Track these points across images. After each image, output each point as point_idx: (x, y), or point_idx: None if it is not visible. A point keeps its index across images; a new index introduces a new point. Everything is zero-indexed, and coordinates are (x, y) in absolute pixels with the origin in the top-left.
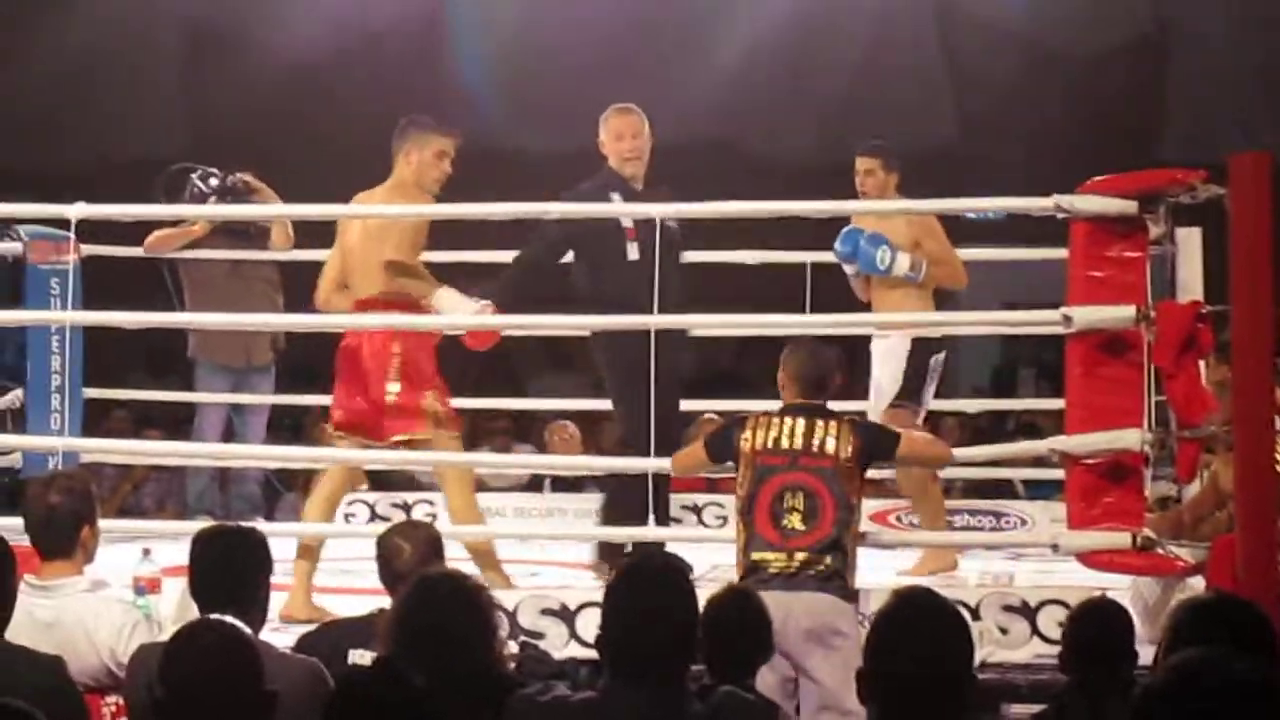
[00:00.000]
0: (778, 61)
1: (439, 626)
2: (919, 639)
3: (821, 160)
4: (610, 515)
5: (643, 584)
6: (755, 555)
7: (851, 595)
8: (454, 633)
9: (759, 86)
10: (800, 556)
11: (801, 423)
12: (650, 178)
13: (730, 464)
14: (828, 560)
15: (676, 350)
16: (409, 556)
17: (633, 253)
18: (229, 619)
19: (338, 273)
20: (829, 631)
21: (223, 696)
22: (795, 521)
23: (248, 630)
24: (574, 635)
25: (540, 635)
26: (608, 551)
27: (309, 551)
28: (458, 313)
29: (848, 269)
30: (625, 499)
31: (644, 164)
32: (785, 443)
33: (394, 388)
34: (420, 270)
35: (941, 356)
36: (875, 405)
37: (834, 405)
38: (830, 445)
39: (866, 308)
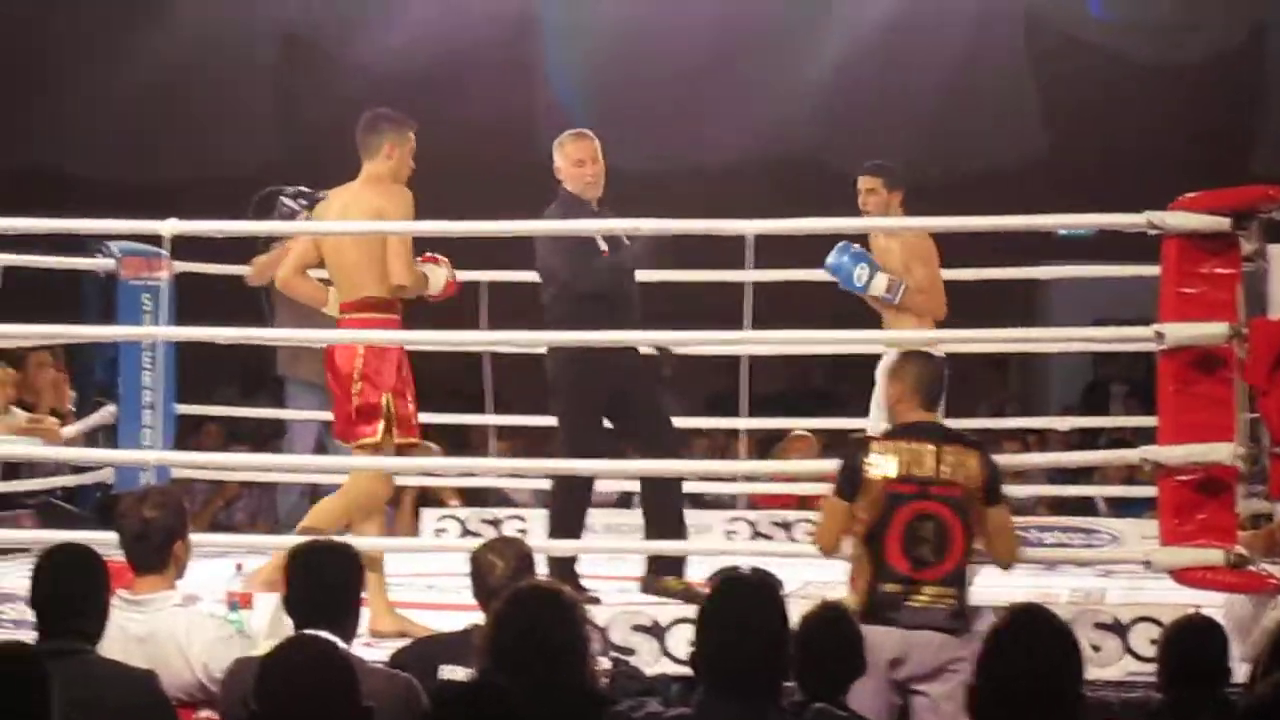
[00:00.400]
0: (867, 77)
1: (534, 641)
2: (1031, 655)
3: (910, 176)
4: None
5: (736, 600)
6: (884, 587)
7: (969, 624)
8: (549, 647)
9: (849, 102)
10: (929, 590)
11: (930, 448)
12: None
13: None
14: (954, 593)
15: (641, 375)
16: (502, 572)
17: (605, 272)
18: (325, 634)
19: (303, 260)
20: (949, 663)
21: (319, 713)
22: (926, 553)
23: (344, 646)
24: (665, 651)
25: (631, 651)
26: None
27: (375, 564)
28: (441, 281)
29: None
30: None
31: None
32: (916, 470)
33: (357, 388)
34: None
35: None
36: (874, 426)
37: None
38: (960, 474)
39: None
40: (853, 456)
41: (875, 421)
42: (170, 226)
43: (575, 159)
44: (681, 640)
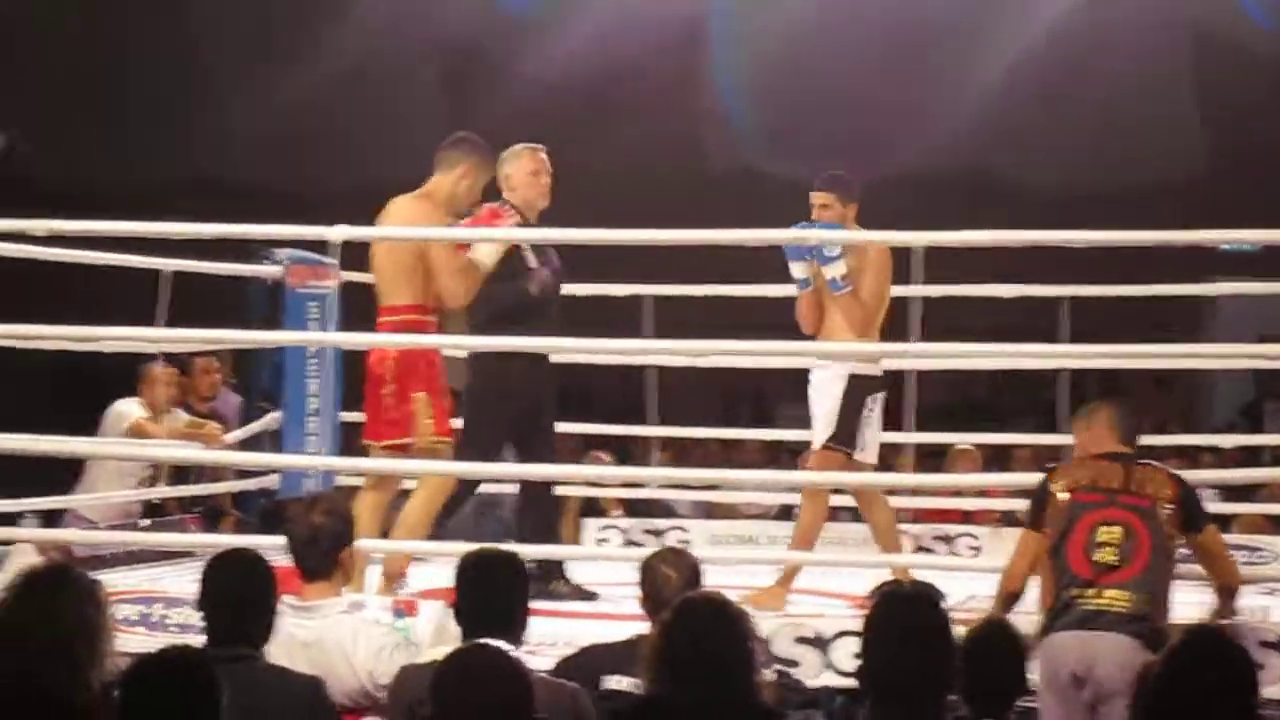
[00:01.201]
0: (1030, 90)
1: (703, 652)
2: (1207, 678)
3: (1073, 188)
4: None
5: (900, 613)
6: (1066, 592)
7: (1157, 639)
8: (718, 659)
9: (1011, 115)
10: (1110, 593)
11: (1119, 466)
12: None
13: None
14: (1137, 598)
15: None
16: (676, 584)
17: (534, 288)
18: (498, 643)
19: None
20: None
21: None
22: (1108, 555)
23: (518, 656)
24: (829, 664)
25: (795, 663)
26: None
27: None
28: (493, 251)
29: (798, 274)
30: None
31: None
32: (1102, 482)
33: (388, 390)
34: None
35: (880, 398)
36: (817, 439)
37: None
38: (1150, 488)
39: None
40: (1041, 486)
41: (819, 434)
42: (339, 233)
43: (531, 169)
44: (845, 653)
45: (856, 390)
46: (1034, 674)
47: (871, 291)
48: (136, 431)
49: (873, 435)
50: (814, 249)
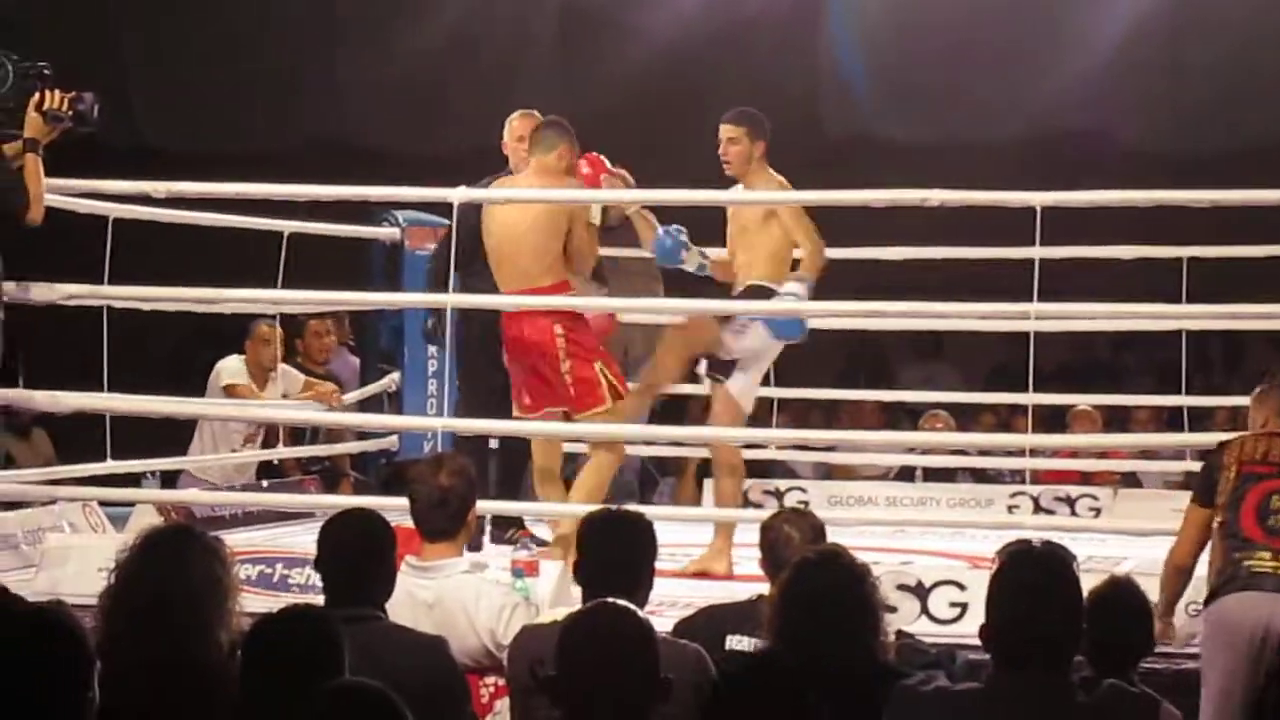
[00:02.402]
0: (1151, 49)
1: (826, 611)
2: None
3: (1194, 148)
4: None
5: (1028, 572)
6: (1238, 554)
7: None
8: (840, 618)
9: (1132, 75)
10: None
11: None
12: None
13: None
14: None
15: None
16: (798, 544)
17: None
18: (623, 603)
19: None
20: None
21: (621, 681)
22: None
23: (644, 616)
24: (925, 611)
25: (893, 609)
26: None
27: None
28: (598, 210)
29: (690, 268)
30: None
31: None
32: (1275, 455)
33: (565, 365)
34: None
35: None
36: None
37: None
38: None
39: None
40: (1210, 460)
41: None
42: (460, 194)
43: (519, 135)
44: (943, 601)
45: None
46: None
47: (812, 249)
48: (230, 395)
49: None
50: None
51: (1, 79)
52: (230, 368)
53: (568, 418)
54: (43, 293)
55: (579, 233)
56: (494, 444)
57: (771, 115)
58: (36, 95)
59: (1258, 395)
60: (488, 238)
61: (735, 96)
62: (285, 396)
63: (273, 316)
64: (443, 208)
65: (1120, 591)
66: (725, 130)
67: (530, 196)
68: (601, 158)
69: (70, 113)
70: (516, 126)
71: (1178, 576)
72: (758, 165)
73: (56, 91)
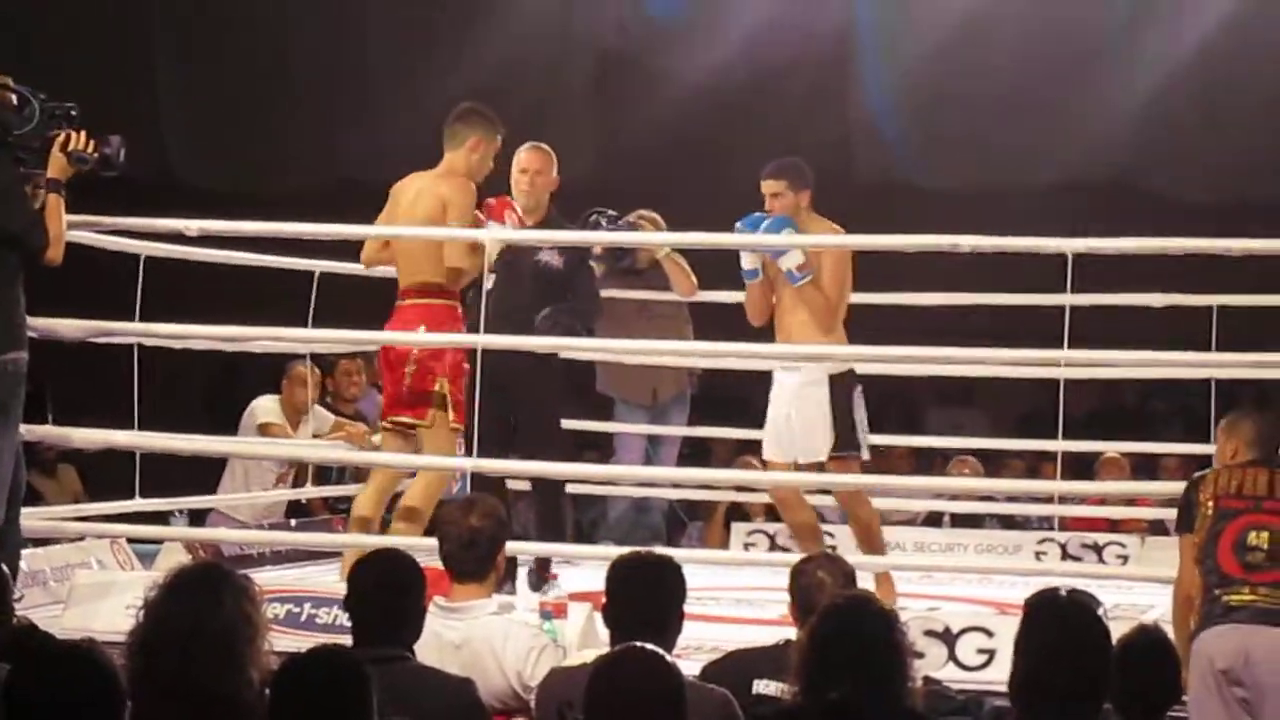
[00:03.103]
0: (1184, 100)
1: (856, 656)
2: None
3: (1223, 198)
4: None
5: (1056, 621)
6: (1217, 590)
7: None
8: (868, 663)
9: (1164, 125)
10: (1263, 590)
11: (1264, 473)
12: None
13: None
14: None
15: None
16: (830, 589)
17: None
18: (652, 647)
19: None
20: None
21: None
22: (1259, 558)
23: (673, 660)
24: (952, 657)
25: (920, 655)
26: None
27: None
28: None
29: (746, 264)
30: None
31: (532, 198)
32: (1249, 489)
33: (410, 369)
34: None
35: (860, 390)
36: (798, 448)
37: None
38: None
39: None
40: (1187, 493)
41: (790, 446)
42: (490, 234)
43: (519, 168)
44: (970, 648)
45: (841, 391)
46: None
47: (832, 281)
48: (264, 434)
49: (864, 432)
50: (766, 226)
51: (28, 118)
52: (265, 407)
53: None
54: (73, 330)
55: (450, 246)
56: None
57: (801, 160)
58: (62, 135)
59: (1226, 425)
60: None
61: (767, 141)
62: (316, 436)
63: (304, 356)
64: None
65: (1149, 639)
66: (767, 186)
67: (557, 239)
68: (510, 201)
69: (95, 155)
70: (518, 159)
71: (1187, 605)
72: (806, 216)
73: (82, 133)
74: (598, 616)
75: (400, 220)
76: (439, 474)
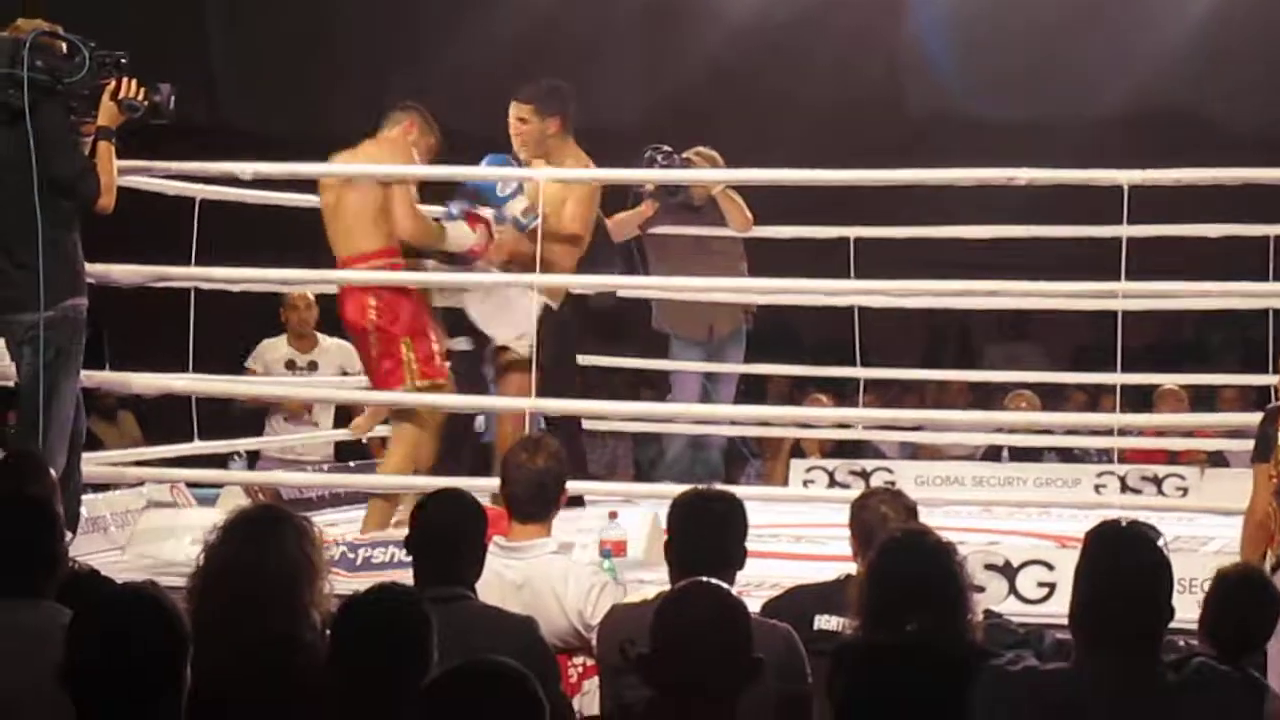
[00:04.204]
0: (1241, 29)
1: (913, 591)
2: None
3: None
4: None
5: (1117, 552)
6: None
7: None
8: (928, 597)
9: (1221, 55)
10: None
11: None
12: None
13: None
14: None
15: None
16: (893, 523)
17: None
18: (717, 582)
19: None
20: None
21: (716, 659)
22: None
23: (738, 595)
24: (1013, 591)
25: (980, 589)
26: None
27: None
28: (465, 240)
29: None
30: None
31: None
32: None
33: (374, 349)
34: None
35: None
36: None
37: None
38: None
39: None
40: (1263, 425)
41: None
42: (545, 174)
43: (516, 117)
44: (1031, 581)
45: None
46: None
47: (574, 221)
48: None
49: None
50: (485, 191)
51: (79, 66)
52: (278, 349)
53: None
54: (129, 275)
55: (397, 207)
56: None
57: (854, 95)
58: (112, 83)
59: None
60: (323, 206)
61: (817, 77)
62: (344, 373)
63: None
64: None
65: (1247, 575)
66: (515, 109)
67: (612, 177)
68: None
69: (146, 103)
70: (513, 111)
71: (1260, 532)
72: (556, 144)
73: (133, 81)
74: (662, 519)
75: (338, 196)
76: (417, 437)
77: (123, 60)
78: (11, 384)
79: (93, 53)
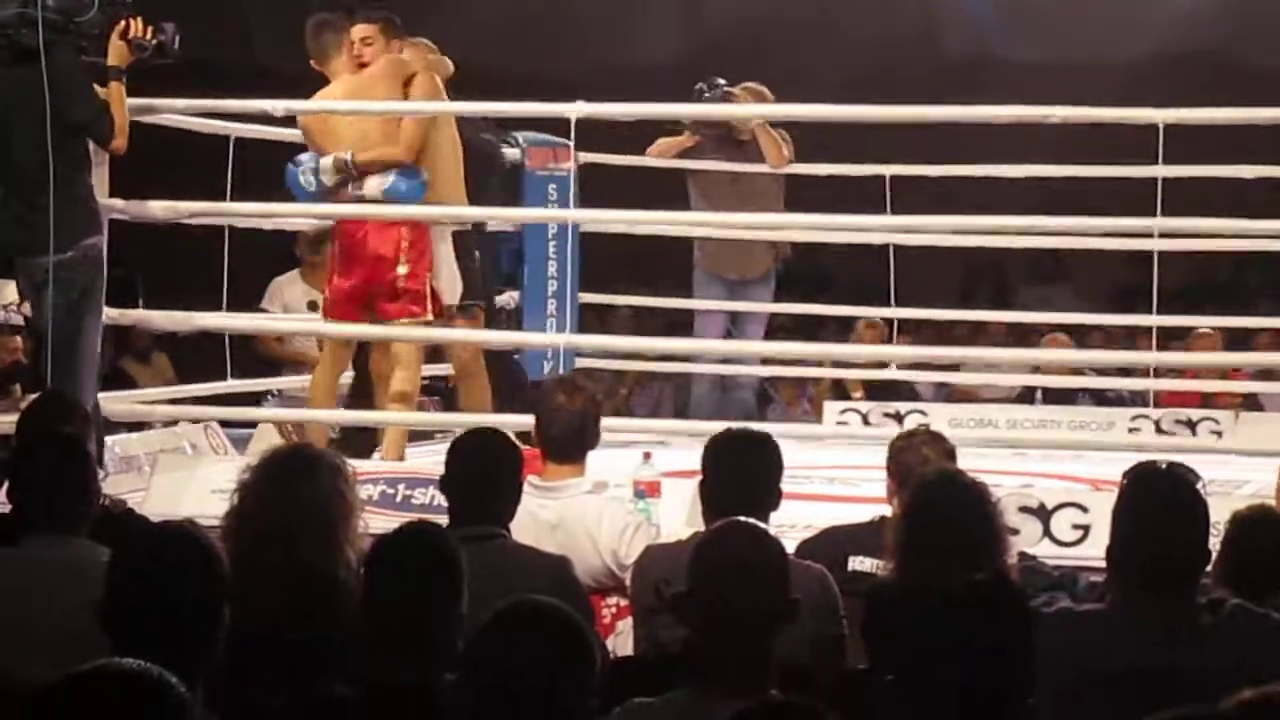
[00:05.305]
0: None
1: (952, 532)
2: None
3: None
4: None
5: (1154, 493)
6: None
7: None
8: (967, 539)
9: None
10: None
11: None
12: None
13: None
14: None
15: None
16: (933, 464)
17: None
18: (753, 521)
19: None
20: None
21: (754, 599)
22: None
23: (777, 537)
24: (1048, 533)
25: (1015, 532)
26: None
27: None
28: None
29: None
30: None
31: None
32: None
33: (404, 270)
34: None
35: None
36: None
37: None
38: None
39: None
40: None
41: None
42: (578, 109)
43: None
44: (1065, 524)
45: (463, 245)
46: None
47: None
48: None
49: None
50: (299, 191)
51: (88, 4)
52: (298, 283)
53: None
54: (165, 211)
55: (407, 126)
56: None
57: (889, 35)
58: (121, 23)
59: None
60: (334, 144)
61: (851, 15)
62: None
63: None
64: (562, 129)
65: (1264, 515)
66: (358, 31)
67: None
68: None
69: (153, 41)
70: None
71: None
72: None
73: (139, 20)
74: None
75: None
76: (418, 359)
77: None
78: (20, 321)
79: None
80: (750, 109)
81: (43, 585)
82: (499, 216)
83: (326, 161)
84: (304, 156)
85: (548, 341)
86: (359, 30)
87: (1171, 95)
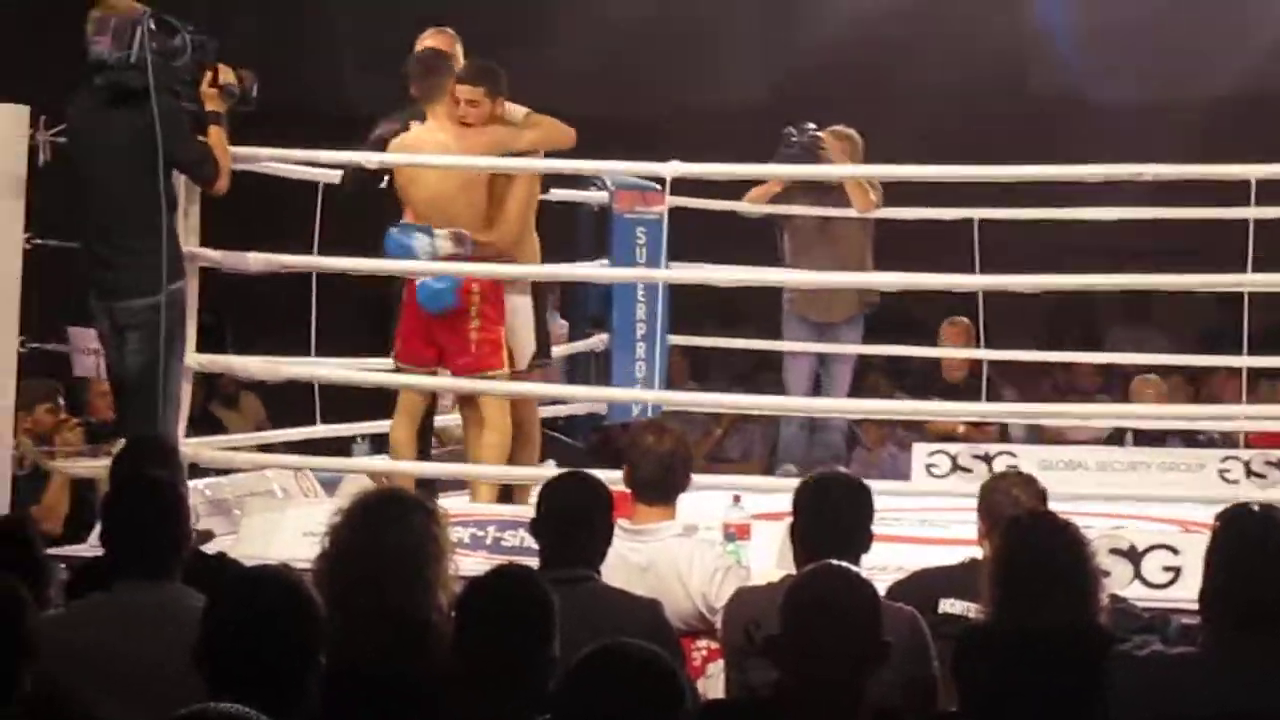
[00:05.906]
0: None
1: (1045, 575)
2: None
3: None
4: None
5: (1248, 534)
6: None
7: None
8: (1059, 581)
9: None
10: None
11: None
12: None
13: None
14: None
15: None
16: (1025, 507)
17: None
18: (848, 565)
19: None
20: None
21: (846, 641)
22: None
23: (868, 580)
24: (1138, 575)
25: (1106, 574)
26: None
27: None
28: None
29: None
30: None
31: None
32: None
33: (475, 324)
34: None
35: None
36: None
37: None
38: None
39: None
40: None
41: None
42: (672, 169)
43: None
44: (1156, 566)
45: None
46: None
47: (517, 205)
48: None
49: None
50: (408, 254)
51: (180, 49)
52: None
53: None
54: (260, 263)
55: (516, 194)
56: None
57: (975, 74)
58: (210, 71)
59: None
60: (417, 188)
61: (938, 55)
62: None
63: None
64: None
65: None
66: (463, 92)
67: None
68: None
69: (240, 88)
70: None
71: None
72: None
73: (227, 67)
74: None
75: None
76: (508, 425)
77: (210, 45)
78: (93, 367)
79: (192, 36)
80: (839, 170)
81: (136, 630)
82: (588, 277)
83: (443, 244)
84: (414, 231)
85: (633, 397)
86: (464, 91)
87: (1259, 132)
